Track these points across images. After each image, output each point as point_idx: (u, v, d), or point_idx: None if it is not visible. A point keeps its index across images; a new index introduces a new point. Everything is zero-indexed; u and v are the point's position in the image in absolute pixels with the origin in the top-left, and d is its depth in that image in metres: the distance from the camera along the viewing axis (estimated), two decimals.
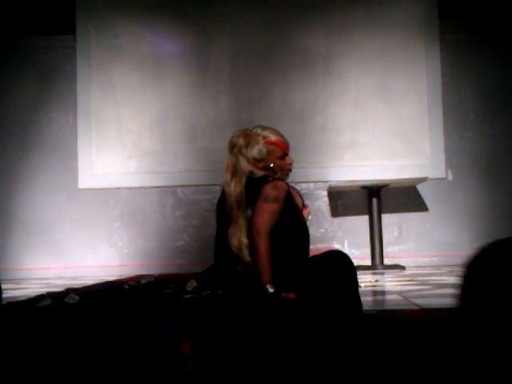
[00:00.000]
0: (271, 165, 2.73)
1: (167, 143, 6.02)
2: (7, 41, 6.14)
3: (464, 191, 5.92)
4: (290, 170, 2.84)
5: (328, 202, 5.89)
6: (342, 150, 5.95)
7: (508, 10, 5.96)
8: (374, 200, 5.37)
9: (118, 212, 5.99)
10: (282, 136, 2.83)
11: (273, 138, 2.80)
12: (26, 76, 6.12)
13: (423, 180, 5.55)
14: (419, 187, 5.90)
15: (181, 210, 5.97)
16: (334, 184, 5.65)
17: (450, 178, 5.94)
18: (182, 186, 5.97)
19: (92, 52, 6.10)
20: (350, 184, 5.67)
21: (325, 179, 5.84)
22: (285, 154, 2.81)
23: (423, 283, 3.53)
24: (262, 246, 2.56)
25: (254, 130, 2.77)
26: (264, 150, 2.75)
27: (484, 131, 5.97)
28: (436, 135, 5.93)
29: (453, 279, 3.76)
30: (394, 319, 2.13)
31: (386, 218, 5.61)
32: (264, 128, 2.81)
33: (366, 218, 5.44)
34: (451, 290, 2.99)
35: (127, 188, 5.99)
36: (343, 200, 5.89)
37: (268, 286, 2.46)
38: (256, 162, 2.73)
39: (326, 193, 5.88)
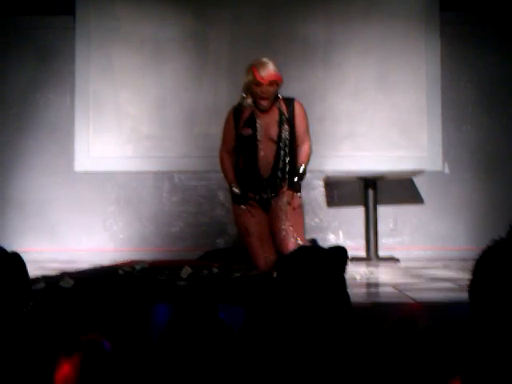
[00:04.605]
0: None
1: (165, 128, 5.99)
2: (4, 20, 6.07)
3: (460, 184, 5.92)
4: (262, 98, 3.63)
5: (324, 191, 5.89)
6: (340, 139, 5.93)
7: (510, 3, 5.93)
8: (370, 191, 5.37)
9: (114, 196, 5.97)
10: (269, 69, 3.57)
11: (256, 66, 3.54)
12: (23, 56, 6.06)
13: (420, 172, 5.54)
14: (415, 179, 5.90)
15: (177, 196, 5.95)
16: (330, 174, 5.64)
17: (447, 171, 5.94)
18: (178, 171, 5.96)
19: (91, 33, 6.04)
20: (346, 174, 5.67)
21: (321, 169, 5.83)
22: (258, 83, 3.54)
23: (418, 276, 3.53)
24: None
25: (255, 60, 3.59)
26: (248, 77, 3.54)
27: (482, 125, 5.96)
28: (434, 128, 5.91)
29: (447, 273, 3.77)
30: (387, 312, 2.14)
31: (382, 210, 5.61)
32: (260, 59, 3.59)
33: (361, 209, 5.44)
34: (445, 284, 2.99)
35: (124, 172, 5.97)
36: (339, 190, 5.89)
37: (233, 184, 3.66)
38: (245, 85, 3.58)
39: (322, 183, 5.87)
